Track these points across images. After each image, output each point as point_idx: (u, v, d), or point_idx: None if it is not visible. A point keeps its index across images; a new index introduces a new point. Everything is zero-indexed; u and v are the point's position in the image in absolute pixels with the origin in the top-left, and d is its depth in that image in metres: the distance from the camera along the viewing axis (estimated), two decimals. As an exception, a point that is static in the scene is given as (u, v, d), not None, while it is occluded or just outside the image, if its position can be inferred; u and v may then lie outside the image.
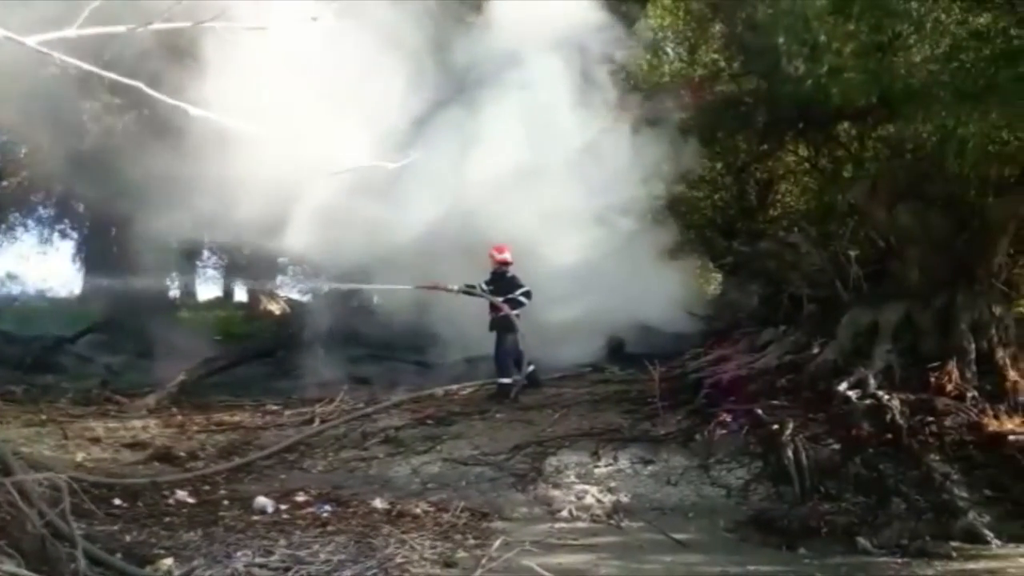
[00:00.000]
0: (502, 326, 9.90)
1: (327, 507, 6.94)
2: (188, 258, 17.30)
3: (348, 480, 7.74)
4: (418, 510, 6.88)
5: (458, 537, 6.32)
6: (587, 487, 7.25)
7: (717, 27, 12.53)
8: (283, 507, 6.93)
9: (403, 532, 6.32)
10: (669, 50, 13.70)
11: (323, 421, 9.27)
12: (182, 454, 8.36)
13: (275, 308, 16.89)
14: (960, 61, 8.53)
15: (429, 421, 9.03)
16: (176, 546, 5.83)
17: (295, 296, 17.76)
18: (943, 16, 8.95)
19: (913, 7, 8.98)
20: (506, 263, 10.02)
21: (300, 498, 7.16)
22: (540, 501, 7.16)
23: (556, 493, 7.22)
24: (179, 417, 9.99)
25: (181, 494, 7.21)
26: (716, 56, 13.02)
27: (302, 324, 11.81)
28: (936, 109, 8.38)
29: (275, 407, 10.41)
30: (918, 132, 9.23)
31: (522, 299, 9.85)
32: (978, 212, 8.73)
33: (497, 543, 6.06)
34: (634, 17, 12.57)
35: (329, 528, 6.38)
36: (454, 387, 10.37)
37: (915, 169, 9.44)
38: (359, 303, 12.31)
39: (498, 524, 6.70)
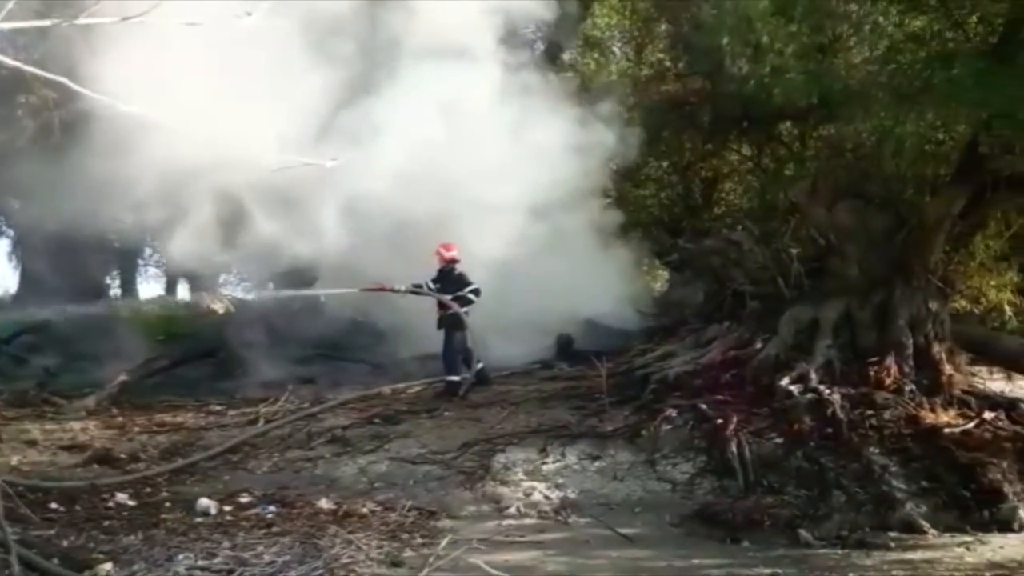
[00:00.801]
0: (450, 324, 9.85)
1: (272, 508, 6.85)
2: (129, 256, 16.85)
3: (294, 480, 7.63)
4: (365, 510, 6.83)
5: (405, 536, 6.29)
6: (535, 484, 7.27)
7: (663, 27, 12.67)
8: (227, 508, 6.83)
9: (349, 532, 6.26)
10: (616, 49, 13.81)
11: (268, 421, 9.14)
12: (122, 456, 8.16)
13: (219, 307, 16.54)
14: (897, 63, 8.74)
15: (376, 420, 8.94)
16: (115, 550, 5.71)
17: (239, 294, 17.46)
18: (881, 19, 9.17)
19: (852, 9, 9.21)
20: (453, 260, 9.98)
21: (244, 499, 7.06)
22: (488, 499, 7.16)
23: (504, 490, 7.22)
24: (119, 418, 9.74)
25: (121, 497, 7.06)
26: (662, 56, 13.16)
27: (246, 323, 11.56)
28: (874, 110, 8.59)
29: (219, 407, 10.23)
30: (857, 132, 9.45)
31: (471, 296, 9.83)
32: (915, 210, 8.95)
33: (444, 541, 6.06)
34: (581, 15, 12.65)
35: (274, 529, 6.29)
36: (402, 386, 10.29)
37: (854, 168, 9.65)
38: (304, 302, 12.11)
39: (446, 522, 6.68)
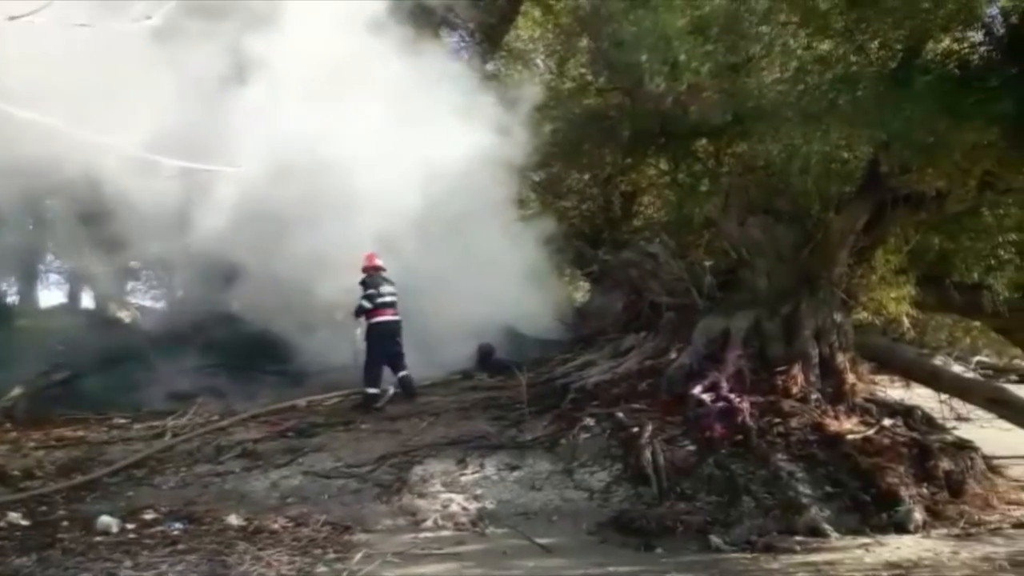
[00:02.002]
0: (373, 335, 9.77)
1: (178, 525, 6.62)
2: (28, 262, 16.00)
3: (202, 496, 7.37)
4: (276, 525, 6.65)
5: (318, 551, 6.16)
6: (453, 495, 7.22)
7: (584, 42, 12.85)
8: (130, 526, 6.56)
9: (259, 548, 6.10)
10: (540, 61, 13.94)
11: (175, 435, 8.81)
12: (16, 473, 7.76)
13: (125, 315, 15.90)
14: (805, 84, 9.07)
15: (290, 433, 8.73)
16: (6, 572, 5.44)
17: (147, 303, 16.83)
18: (791, 41, 9.50)
19: (764, 31, 9.52)
20: (376, 268, 9.95)
21: (149, 516, 6.80)
22: (404, 511, 7.07)
23: (421, 503, 7.15)
24: (13, 433, 9.24)
25: (13, 516, 6.69)
26: (584, 70, 13.34)
27: (154, 332, 11.13)
28: (784, 128, 8.90)
29: (123, 420, 9.80)
30: (767, 150, 9.76)
31: (363, 303, 9.77)
32: (821, 226, 9.31)
33: (359, 556, 5.97)
34: (505, 27, 12.73)
35: (180, 547, 6.08)
36: (317, 397, 10.06)
37: (765, 185, 9.97)
38: (215, 310, 11.72)
39: (360, 536, 6.56)
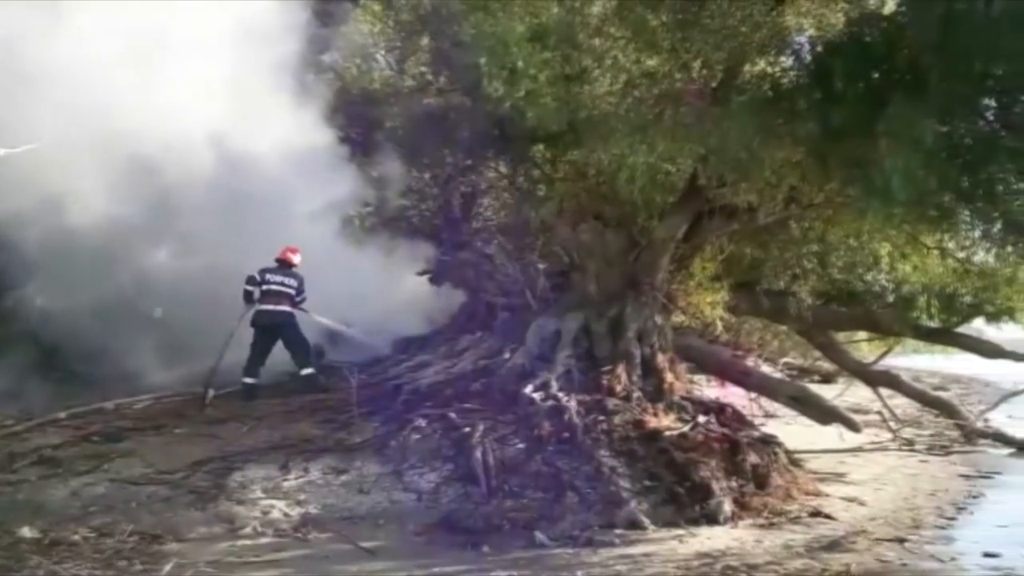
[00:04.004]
0: (254, 324, 9.86)
1: (-44, 542, 5.92)
2: None
3: (-11, 507, 6.66)
4: (76, 537, 6.16)
5: (123, 563, 5.75)
6: (274, 501, 6.93)
7: (425, 40, 12.79)
8: None
9: (55, 562, 5.63)
10: (380, 57, 13.73)
11: (-40, 442, 7.91)
12: None
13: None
14: (634, 97, 9.47)
15: (95, 438, 8.09)
16: None
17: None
18: (621, 55, 9.87)
19: (597, 44, 9.83)
20: (281, 260, 10.20)
21: (-79, 533, 6.05)
22: (221, 519, 6.70)
23: (240, 509, 6.80)
24: None
25: None
26: (424, 69, 13.28)
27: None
28: (613, 139, 9.24)
29: None
30: (599, 159, 10.11)
31: (246, 288, 9.95)
32: (645, 233, 9.77)
33: (168, 567, 5.61)
34: (344, 19, 12.43)
35: (-43, 566, 5.44)
36: (127, 400, 9.36)
37: (596, 192, 10.31)
38: (13, 303, 10.63)
39: (172, 546, 6.17)
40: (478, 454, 7.50)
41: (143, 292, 10.03)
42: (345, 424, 8.45)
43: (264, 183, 10.21)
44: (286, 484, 7.21)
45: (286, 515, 6.80)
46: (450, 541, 6.55)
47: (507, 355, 9.48)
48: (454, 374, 9.48)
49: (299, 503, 6.97)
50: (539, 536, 6.56)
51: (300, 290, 10.16)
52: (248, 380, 9.76)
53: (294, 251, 10.28)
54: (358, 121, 12.44)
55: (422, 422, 8.24)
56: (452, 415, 8.31)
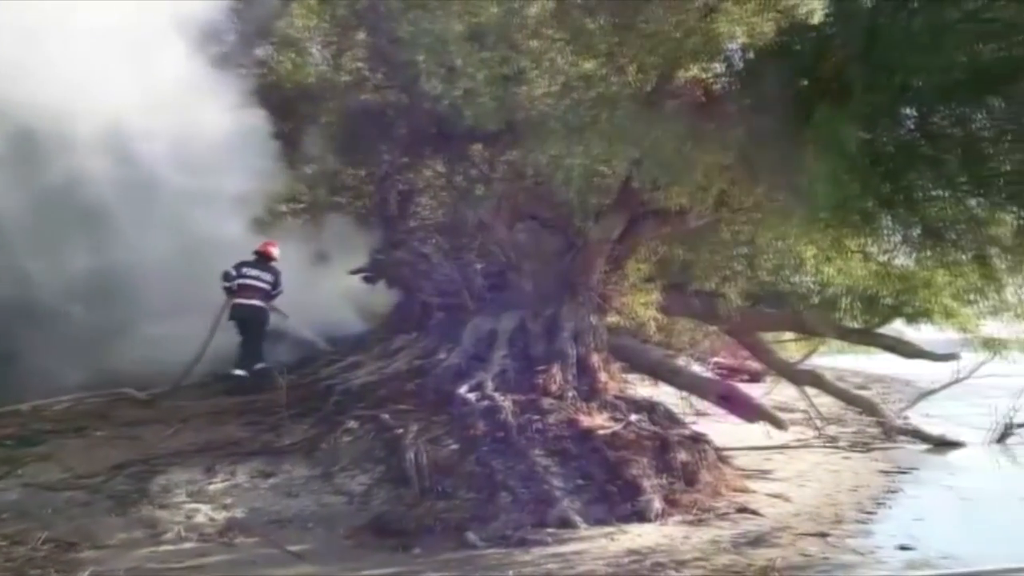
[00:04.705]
0: (232, 316, 10.07)
1: None
2: None
3: None
4: (-15, 545, 5.84)
5: (36, 572, 5.52)
6: (198, 505, 6.74)
7: (362, 36, 12.61)
8: None
9: (-39, 573, 5.32)
10: (315, 51, 13.50)
11: None
12: None
13: None
14: (571, 99, 9.52)
15: (8, 441, 7.75)
16: None
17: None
18: (558, 58, 9.92)
19: (534, 45, 9.85)
20: (259, 253, 10.43)
21: None
22: (143, 524, 6.49)
23: (162, 514, 6.60)
24: None
25: None
26: (361, 65, 13.10)
27: None
28: (551, 140, 9.27)
29: None
30: (537, 159, 10.14)
31: (223, 283, 10.17)
32: (581, 234, 9.84)
33: (84, 575, 5.39)
34: (278, 12, 12.17)
35: None
36: (46, 401, 8.99)
37: (533, 192, 10.35)
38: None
39: (89, 554, 5.95)
40: (410, 455, 7.44)
41: (54, 288, 9.59)
42: (274, 426, 8.30)
43: (187, 178, 9.91)
44: (211, 488, 7.03)
45: (211, 520, 6.62)
46: (380, 544, 6.47)
47: (442, 355, 9.43)
48: (387, 374, 9.38)
49: (225, 507, 6.79)
50: (471, 537, 6.54)
51: (276, 284, 10.38)
52: (260, 365, 10.06)
53: (273, 244, 10.49)
54: (291, 116, 12.19)
55: (353, 424, 8.13)
56: (385, 416, 8.22)
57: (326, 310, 12.15)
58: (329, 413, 8.45)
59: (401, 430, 7.88)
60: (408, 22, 10.50)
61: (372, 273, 11.65)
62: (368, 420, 8.22)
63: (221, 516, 6.68)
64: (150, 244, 10.02)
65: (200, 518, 6.61)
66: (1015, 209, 7.72)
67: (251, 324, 10.22)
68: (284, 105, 12.12)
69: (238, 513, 6.76)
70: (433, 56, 10.00)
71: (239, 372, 10.11)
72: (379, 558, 6.16)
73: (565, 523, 6.99)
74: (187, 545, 6.25)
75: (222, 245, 10.44)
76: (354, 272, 11.40)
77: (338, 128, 12.32)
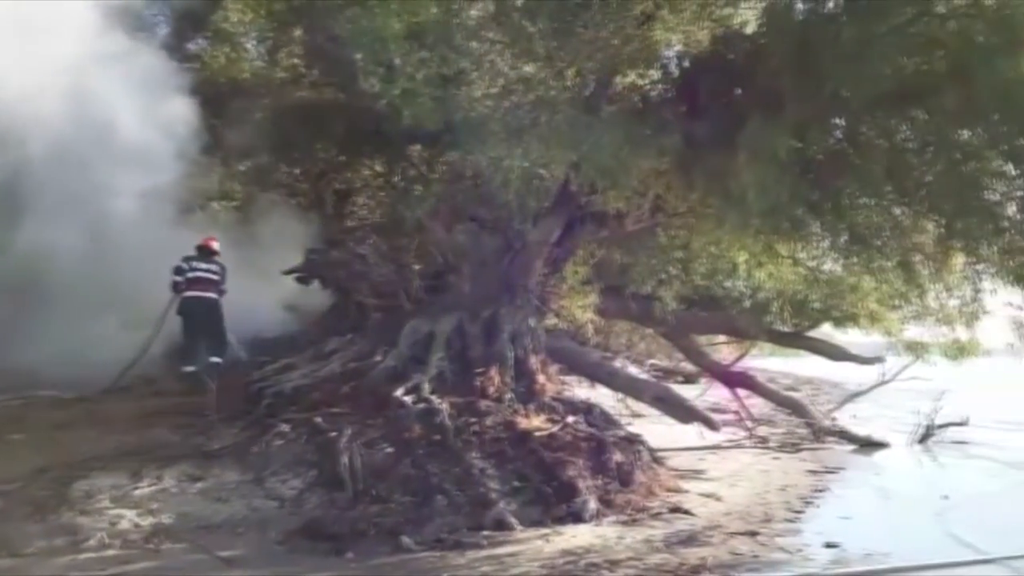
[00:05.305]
0: (181, 310, 9.90)
1: None
2: None
3: None
4: None
5: (-55, 584, 5.22)
6: (123, 511, 6.50)
7: (299, 32, 12.38)
8: None
9: None
10: (250, 46, 13.21)
11: None
12: None
13: None
14: (511, 101, 9.53)
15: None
16: None
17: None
18: (498, 60, 9.92)
19: (474, 47, 9.84)
20: (202, 247, 10.31)
21: None
22: (63, 531, 6.22)
23: (84, 520, 6.34)
24: None
25: None
26: (297, 61, 12.86)
27: None
28: (490, 142, 9.26)
29: None
30: (476, 161, 10.12)
31: (174, 277, 10.02)
32: (520, 236, 9.85)
33: (-1, 586, 5.14)
34: (211, 5, 11.87)
35: None
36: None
37: (472, 194, 10.33)
38: None
39: (5, 562, 5.69)
40: (344, 459, 7.32)
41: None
42: (204, 429, 8.09)
43: (114, 172, 9.57)
44: (137, 493, 6.80)
45: (136, 525, 6.39)
46: (313, 548, 6.37)
47: (379, 357, 9.31)
48: (321, 377, 9.21)
49: (151, 512, 6.56)
50: (405, 540, 6.48)
51: (223, 277, 10.33)
52: (188, 368, 9.79)
53: (213, 239, 10.46)
54: (225, 111, 11.88)
55: (286, 427, 7.98)
56: (318, 420, 8.09)
57: (257, 311, 11.91)
58: (260, 416, 8.28)
59: (335, 433, 7.74)
60: (346, 20, 10.36)
61: (306, 273, 11.42)
62: (301, 423, 8.06)
63: (147, 522, 6.45)
64: (65, 239, 9.63)
65: (124, 524, 6.37)
66: (937, 217, 8.05)
67: (211, 315, 10.08)
68: (217, 100, 11.80)
69: (165, 519, 6.54)
70: (371, 54, 9.89)
71: (193, 368, 9.81)
72: (311, 562, 6.06)
73: (501, 525, 6.99)
74: (110, 552, 6.02)
75: (144, 242, 10.13)
76: (288, 272, 11.15)
77: (273, 125, 12.05)
